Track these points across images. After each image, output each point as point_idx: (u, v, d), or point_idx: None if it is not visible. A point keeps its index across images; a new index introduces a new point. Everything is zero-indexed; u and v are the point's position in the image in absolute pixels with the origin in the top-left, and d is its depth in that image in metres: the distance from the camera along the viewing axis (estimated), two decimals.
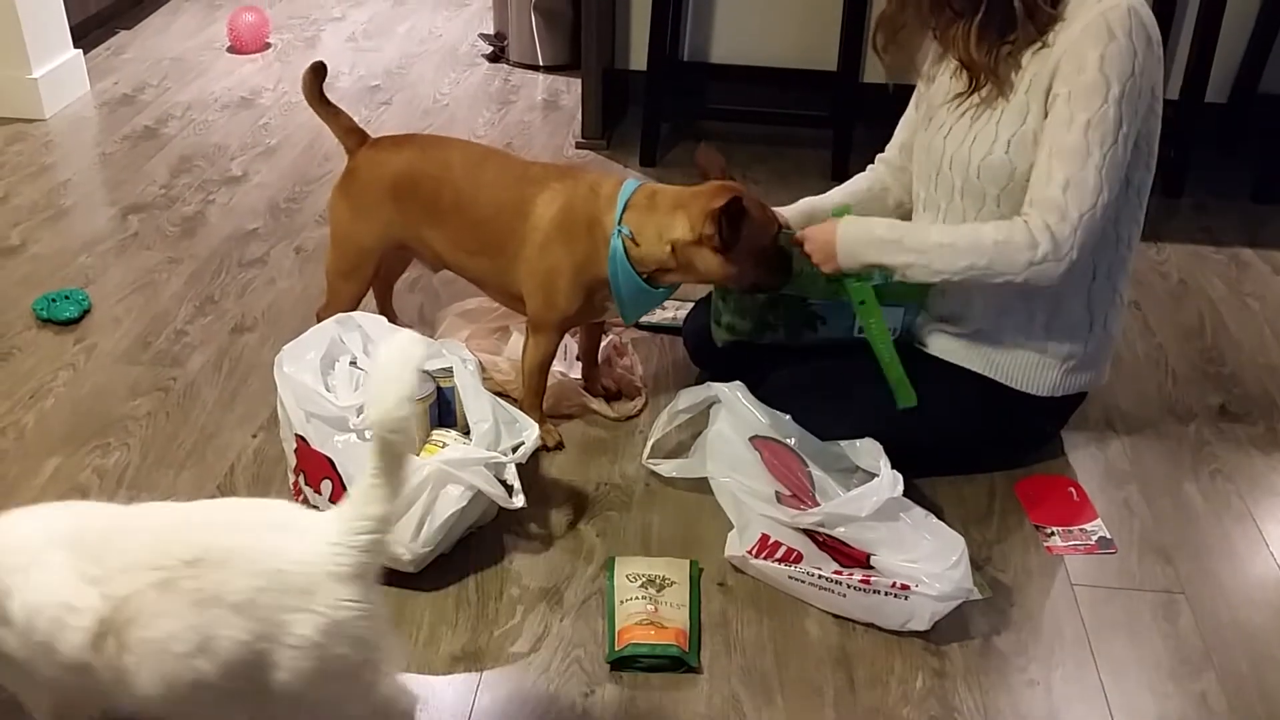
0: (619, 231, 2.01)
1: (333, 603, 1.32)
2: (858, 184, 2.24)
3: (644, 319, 2.57)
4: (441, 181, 2.14)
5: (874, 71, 2.05)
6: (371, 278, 2.28)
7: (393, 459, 1.32)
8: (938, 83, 2.03)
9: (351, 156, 2.22)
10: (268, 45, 4.22)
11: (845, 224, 1.96)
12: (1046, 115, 1.84)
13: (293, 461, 1.92)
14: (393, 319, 2.21)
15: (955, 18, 1.87)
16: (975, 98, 1.92)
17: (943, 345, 2.09)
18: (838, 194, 2.22)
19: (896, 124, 2.23)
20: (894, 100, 2.23)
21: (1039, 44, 1.85)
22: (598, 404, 2.31)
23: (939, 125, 2.00)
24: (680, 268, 2.01)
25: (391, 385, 1.29)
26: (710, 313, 2.16)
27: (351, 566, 1.33)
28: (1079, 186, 1.80)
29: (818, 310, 2.08)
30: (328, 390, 1.88)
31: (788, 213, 2.15)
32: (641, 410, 2.32)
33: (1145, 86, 1.81)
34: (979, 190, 1.94)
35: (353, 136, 2.23)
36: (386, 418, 1.28)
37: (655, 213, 2.00)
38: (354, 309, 2.21)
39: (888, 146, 2.24)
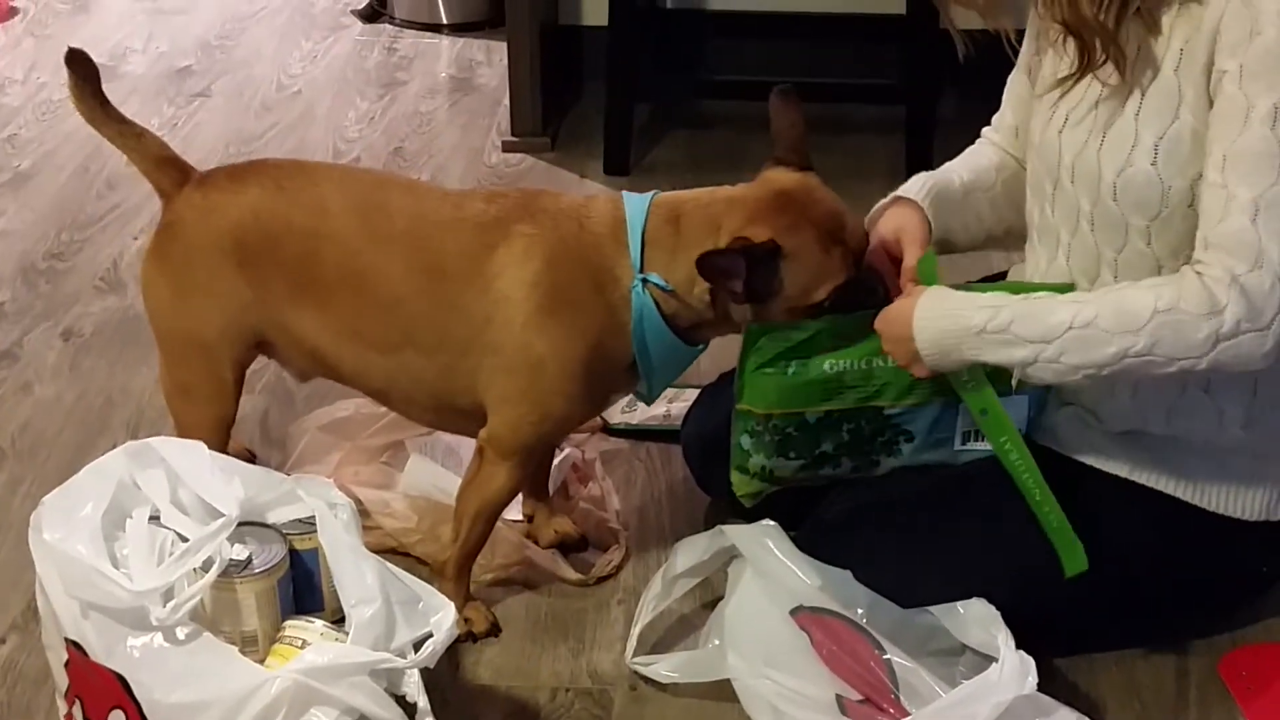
0: (641, 282, 2.04)
1: None
2: (979, 159, 2.28)
3: (618, 420, 2.59)
4: (317, 235, 2.15)
5: (964, 15, 2.05)
6: (235, 389, 2.27)
7: None
8: (1047, 53, 2.05)
9: (168, 204, 2.23)
10: (13, 11, 4.29)
11: (924, 305, 1.97)
12: (1211, 105, 1.86)
13: (63, 683, 1.91)
14: (224, 445, 2.21)
15: None
16: (1094, 84, 1.94)
17: (1092, 445, 2.10)
18: (961, 168, 2.25)
19: (1002, 87, 2.27)
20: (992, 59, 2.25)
21: None
22: (551, 560, 2.32)
23: (1052, 114, 2.03)
24: (719, 318, 2.07)
25: None
26: (732, 452, 2.15)
27: None
28: (1274, 208, 1.82)
29: (898, 422, 2.09)
30: (116, 566, 1.87)
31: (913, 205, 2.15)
32: (620, 568, 2.33)
33: None
34: (1117, 219, 1.96)
35: (166, 171, 2.23)
36: None
37: (685, 243, 2.04)
38: (221, 443, 2.22)
39: (994, 123, 2.29)
